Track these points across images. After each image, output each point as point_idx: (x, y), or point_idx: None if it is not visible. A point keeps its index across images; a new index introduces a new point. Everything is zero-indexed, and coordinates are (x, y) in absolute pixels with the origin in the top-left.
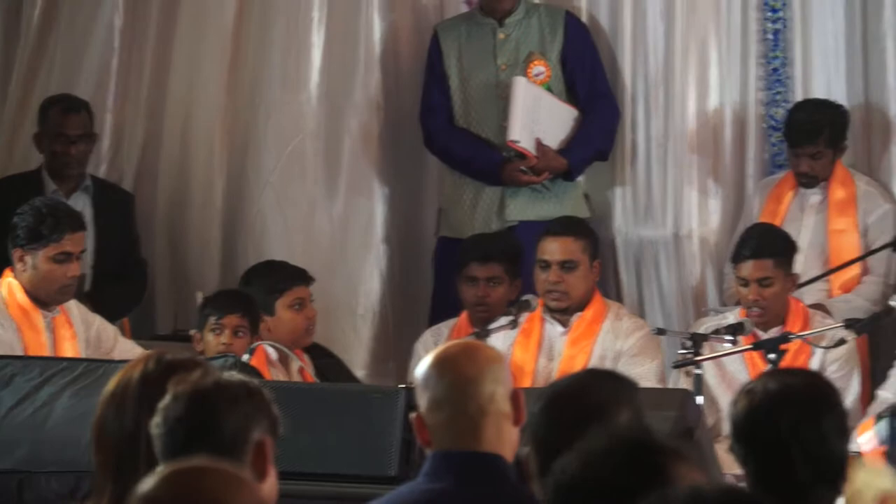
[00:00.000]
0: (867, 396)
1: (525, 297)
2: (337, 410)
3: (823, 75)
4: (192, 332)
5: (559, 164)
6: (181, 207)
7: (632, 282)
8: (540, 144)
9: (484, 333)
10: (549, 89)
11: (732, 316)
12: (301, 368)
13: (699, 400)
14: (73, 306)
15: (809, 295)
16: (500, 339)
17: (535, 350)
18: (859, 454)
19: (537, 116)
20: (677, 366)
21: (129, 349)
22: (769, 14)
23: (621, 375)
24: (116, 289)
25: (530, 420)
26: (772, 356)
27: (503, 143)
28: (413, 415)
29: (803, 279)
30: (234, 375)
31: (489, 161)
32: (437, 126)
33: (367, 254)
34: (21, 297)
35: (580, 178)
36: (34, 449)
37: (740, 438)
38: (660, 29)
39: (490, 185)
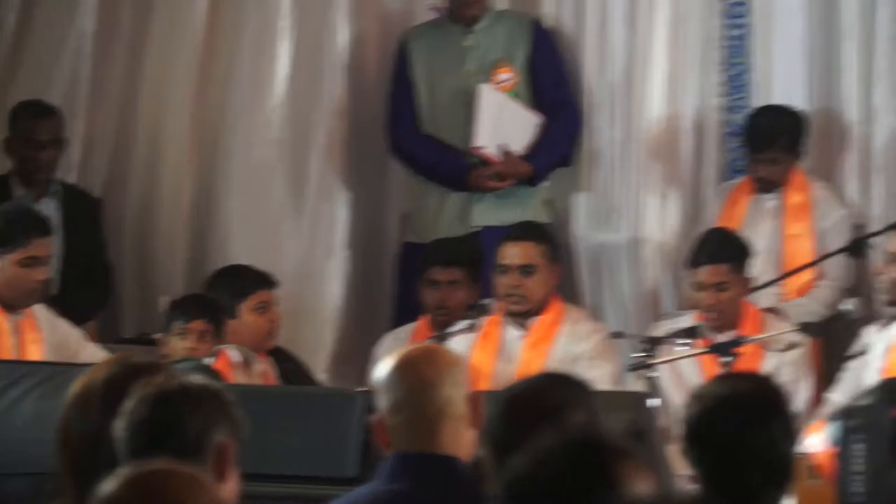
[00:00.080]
0: (819, 399)
1: (484, 301)
2: (298, 413)
3: (783, 82)
4: (158, 335)
5: (524, 169)
6: (150, 213)
7: (590, 286)
8: (505, 150)
9: (443, 337)
10: (517, 95)
11: (688, 319)
12: (264, 371)
13: (654, 402)
14: (40, 310)
15: (764, 298)
16: (460, 343)
17: (494, 353)
18: (808, 455)
19: (502, 123)
20: (632, 369)
21: (94, 353)
22: (730, 21)
23: (577, 378)
24: (83, 293)
25: (487, 422)
26: (725, 359)
27: (469, 150)
28: (373, 417)
29: (758, 283)
30: (198, 379)
31: (455, 167)
32: (403, 132)
33: (330, 259)
34: None
35: (544, 184)
36: None
37: (691, 442)
38: (622, 36)
39: (455, 190)
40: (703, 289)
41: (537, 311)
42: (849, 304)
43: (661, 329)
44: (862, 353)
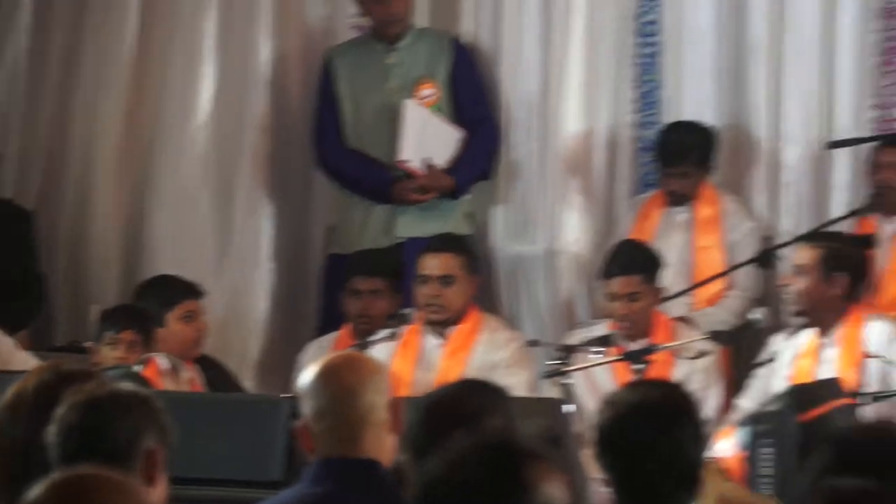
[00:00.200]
0: (729, 405)
1: (405, 311)
2: (225, 419)
3: (693, 98)
4: (89, 344)
5: (446, 183)
6: (82, 225)
7: (508, 296)
8: (428, 164)
9: (365, 345)
10: (439, 110)
11: (601, 328)
12: (191, 379)
13: (569, 408)
14: None
15: (675, 308)
16: (381, 351)
17: (414, 361)
18: (718, 460)
19: (426, 137)
20: (548, 376)
21: (25, 361)
22: (643, 40)
23: (495, 385)
24: (14, 303)
25: (407, 428)
26: (638, 367)
27: (393, 163)
28: (297, 423)
29: (669, 293)
30: (127, 386)
31: (379, 180)
32: (328, 147)
33: (256, 270)
34: None
35: (465, 197)
36: None
37: (603, 447)
38: (538, 53)
39: (380, 203)
40: (616, 299)
41: (456, 320)
42: (757, 314)
43: (576, 337)
44: (770, 360)
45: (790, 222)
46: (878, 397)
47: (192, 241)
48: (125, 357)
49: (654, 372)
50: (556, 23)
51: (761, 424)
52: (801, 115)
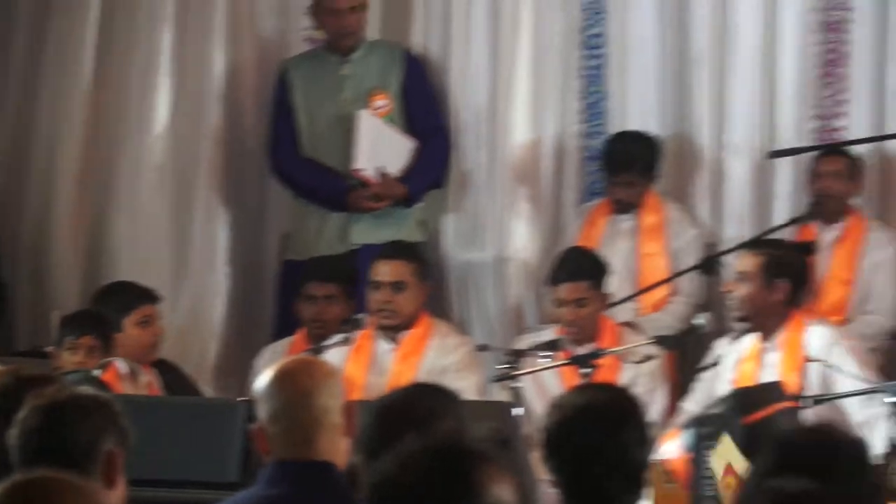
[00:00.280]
0: (674, 408)
1: (358, 316)
2: (182, 422)
3: (638, 109)
4: (50, 349)
5: (399, 191)
6: (44, 233)
7: (458, 301)
8: (382, 173)
9: (319, 350)
10: (392, 121)
11: (549, 333)
12: (149, 382)
13: (518, 411)
14: None
15: (621, 313)
16: (335, 355)
17: (366, 365)
18: (663, 462)
19: (379, 147)
20: (497, 380)
21: None
22: (588, 52)
23: (446, 389)
24: None
25: (360, 431)
26: (585, 371)
27: (348, 172)
28: (253, 426)
29: (616, 299)
30: (87, 390)
31: (334, 189)
32: (284, 156)
33: (213, 277)
34: None
35: (418, 205)
36: None
37: (550, 449)
38: (486, 65)
39: (335, 211)
40: (564, 304)
41: (407, 325)
42: (701, 319)
43: (524, 342)
44: (714, 364)
45: (733, 230)
46: (818, 400)
47: (150, 249)
48: (85, 361)
49: (600, 376)
50: (504, 35)
51: (705, 427)
52: (743, 125)
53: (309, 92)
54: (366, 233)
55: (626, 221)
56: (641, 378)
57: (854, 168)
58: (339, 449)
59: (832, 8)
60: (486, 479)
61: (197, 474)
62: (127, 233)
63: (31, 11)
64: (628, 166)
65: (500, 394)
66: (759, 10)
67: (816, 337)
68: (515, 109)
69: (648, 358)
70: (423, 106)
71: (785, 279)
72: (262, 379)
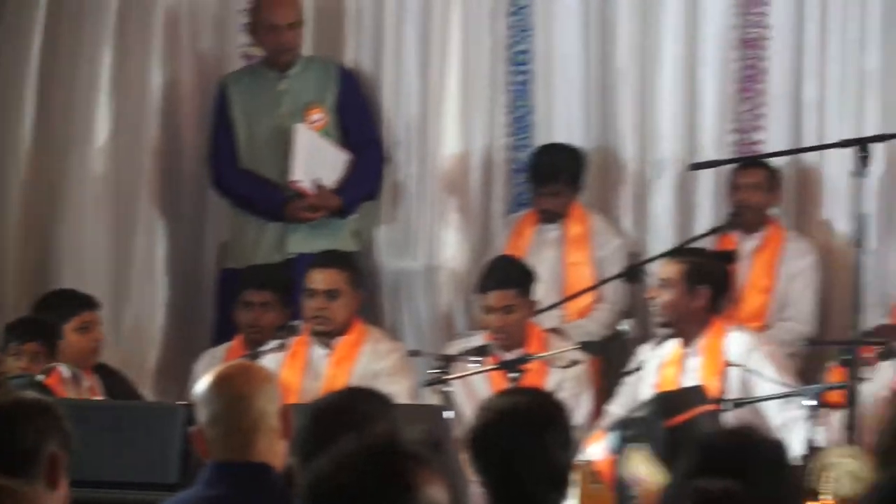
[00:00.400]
0: (599, 411)
1: (293, 322)
2: (124, 425)
3: (563, 122)
4: None
5: (335, 202)
6: None
7: (390, 309)
8: (318, 185)
9: (255, 355)
10: (327, 134)
11: (479, 339)
12: (91, 387)
13: (449, 415)
14: None
15: (547, 320)
16: (271, 361)
17: (302, 370)
18: (589, 463)
19: (315, 160)
20: (428, 384)
21: None
22: (515, 68)
23: (379, 393)
24: None
25: (296, 433)
26: (513, 375)
27: (285, 184)
28: (193, 429)
29: (542, 306)
30: (31, 394)
31: (272, 200)
32: (223, 168)
33: (152, 284)
34: None
35: (353, 216)
36: None
37: (476, 451)
38: (417, 79)
39: (273, 221)
40: (492, 311)
41: (341, 331)
42: (625, 325)
43: (455, 348)
44: (637, 369)
45: (656, 239)
46: (738, 404)
47: (93, 257)
48: (29, 367)
49: (528, 380)
50: (434, 51)
51: (629, 429)
52: (665, 138)
53: (247, 106)
54: (302, 242)
55: (552, 231)
56: (567, 382)
57: (772, 180)
58: (276, 451)
59: (750, 25)
60: (420, 480)
61: (138, 476)
62: (70, 241)
63: None
64: (554, 177)
65: (431, 398)
66: (681, 27)
67: (736, 342)
68: (445, 123)
69: (574, 363)
70: (357, 119)
71: (706, 286)
72: (201, 383)
